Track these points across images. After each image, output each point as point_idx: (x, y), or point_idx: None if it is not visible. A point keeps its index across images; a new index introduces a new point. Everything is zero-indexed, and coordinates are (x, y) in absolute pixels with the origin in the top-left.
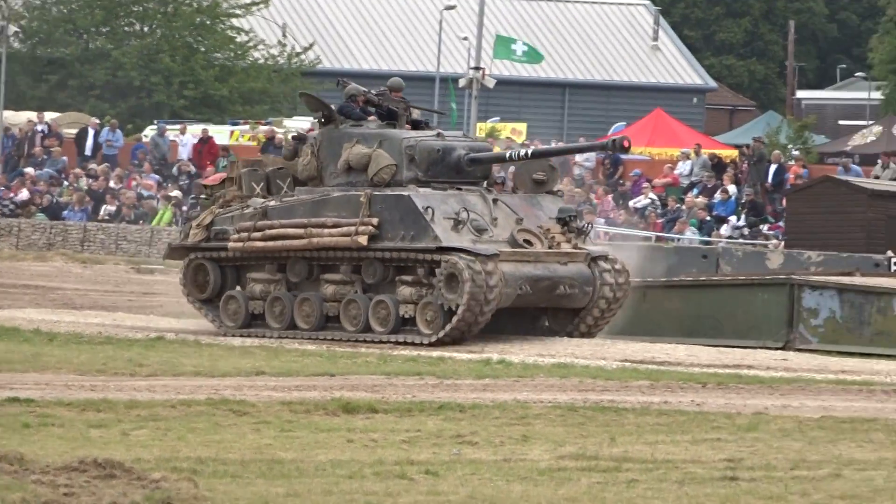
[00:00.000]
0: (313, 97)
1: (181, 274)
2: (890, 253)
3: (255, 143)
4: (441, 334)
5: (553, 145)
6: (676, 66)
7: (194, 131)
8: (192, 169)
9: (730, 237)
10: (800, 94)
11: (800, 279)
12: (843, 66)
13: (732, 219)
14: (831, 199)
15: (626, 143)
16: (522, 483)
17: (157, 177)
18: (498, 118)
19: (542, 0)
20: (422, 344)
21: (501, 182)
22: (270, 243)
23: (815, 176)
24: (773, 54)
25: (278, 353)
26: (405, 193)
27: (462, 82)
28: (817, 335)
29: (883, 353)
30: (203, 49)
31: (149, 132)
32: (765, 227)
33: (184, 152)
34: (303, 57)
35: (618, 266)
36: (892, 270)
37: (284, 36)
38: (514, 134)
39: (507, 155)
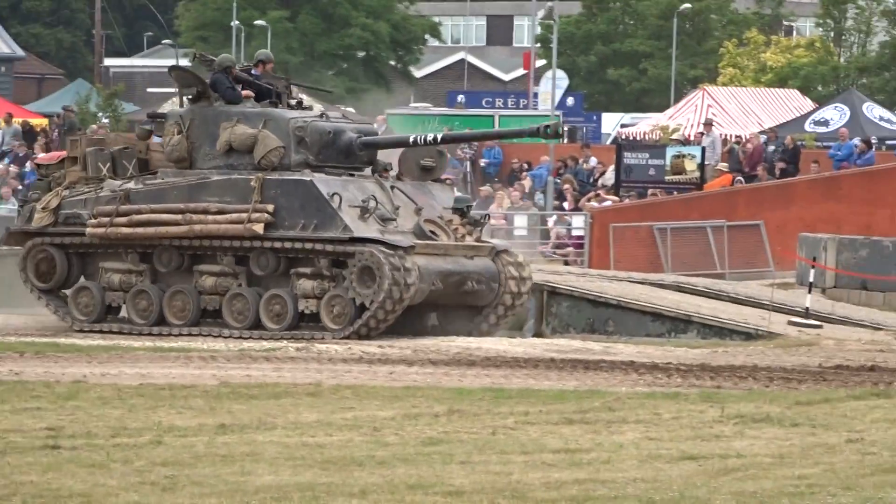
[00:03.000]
0: (186, 71)
1: (20, 261)
2: None
3: None
4: (350, 331)
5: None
6: None
7: None
8: None
9: None
10: (108, 61)
11: None
12: (150, 33)
13: None
14: None
15: (560, 130)
16: None
17: None
18: None
19: None
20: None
21: (388, 168)
22: (140, 230)
23: None
24: (80, 22)
25: None
26: (306, 178)
27: None
28: None
29: None
30: None
31: None
32: None
33: None
34: None
35: (520, 260)
36: None
37: None
38: None
39: (412, 139)
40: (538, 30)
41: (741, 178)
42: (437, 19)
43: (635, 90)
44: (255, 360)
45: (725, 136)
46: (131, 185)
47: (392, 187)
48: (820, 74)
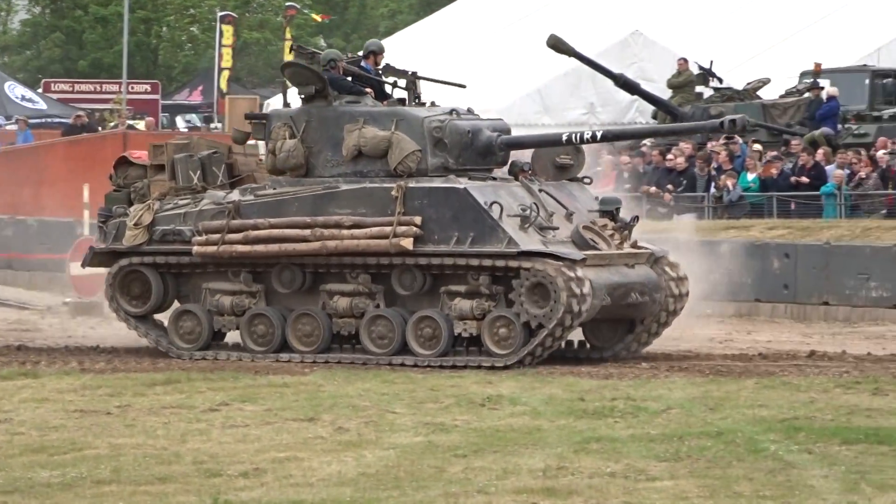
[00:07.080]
0: (305, 67)
1: (108, 284)
2: None
3: None
4: (521, 355)
5: (634, 125)
6: None
7: None
8: None
9: None
10: None
11: None
12: None
13: None
14: None
15: (746, 124)
16: None
17: None
18: None
19: None
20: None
21: (528, 169)
22: (259, 247)
23: None
24: None
25: None
26: (459, 187)
27: None
28: None
29: None
30: None
31: None
32: None
33: None
34: None
35: (681, 273)
36: None
37: None
38: None
39: (565, 137)
40: None
41: None
42: None
43: None
44: None
45: None
46: (237, 195)
47: (540, 190)
48: None
